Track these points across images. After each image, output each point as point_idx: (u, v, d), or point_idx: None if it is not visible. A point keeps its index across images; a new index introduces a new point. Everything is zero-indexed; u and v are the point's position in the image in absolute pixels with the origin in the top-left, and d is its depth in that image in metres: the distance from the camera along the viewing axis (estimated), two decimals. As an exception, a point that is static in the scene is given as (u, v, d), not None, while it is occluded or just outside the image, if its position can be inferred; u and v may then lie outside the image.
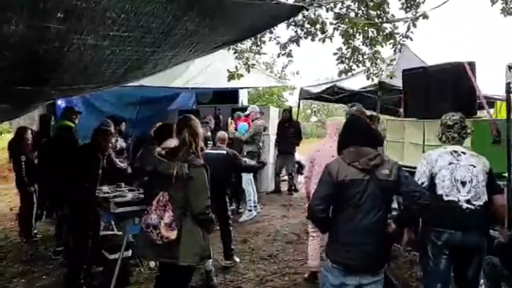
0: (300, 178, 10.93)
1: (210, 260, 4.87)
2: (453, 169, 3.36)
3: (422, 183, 3.38)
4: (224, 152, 5.61)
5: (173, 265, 3.38)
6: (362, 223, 2.81)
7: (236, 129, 8.17)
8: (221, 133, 6.20)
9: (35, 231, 6.86)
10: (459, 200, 3.30)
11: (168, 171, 3.35)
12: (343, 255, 2.86)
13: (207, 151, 5.00)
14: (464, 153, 3.43)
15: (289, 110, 10.66)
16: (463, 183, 3.32)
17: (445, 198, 3.33)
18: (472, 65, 5.41)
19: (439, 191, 3.35)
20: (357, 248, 2.82)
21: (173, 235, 3.29)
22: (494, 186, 3.46)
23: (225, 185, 5.54)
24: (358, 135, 3.03)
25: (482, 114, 6.76)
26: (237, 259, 5.62)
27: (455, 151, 3.43)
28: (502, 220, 3.61)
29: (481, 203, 3.29)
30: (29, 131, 6.94)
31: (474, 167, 3.36)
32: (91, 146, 4.95)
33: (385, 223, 2.92)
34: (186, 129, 3.49)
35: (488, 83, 7.52)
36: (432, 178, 3.41)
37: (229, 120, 8.39)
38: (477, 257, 3.31)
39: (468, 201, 3.29)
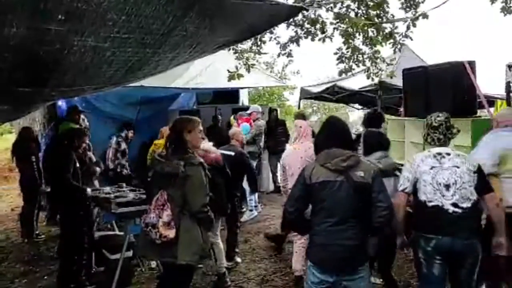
0: None
1: (224, 263, 4.90)
2: (435, 173, 3.25)
3: (405, 189, 3.35)
4: (232, 153, 5.50)
5: (172, 264, 3.40)
6: (336, 224, 2.83)
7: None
8: (233, 130, 6.07)
9: (37, 232, 6.88)
10: (443, 205, 3.18)
11: (165, 170, 3.40)
12: (318, 255, 2.91)
13: (221, 151, 5.02)
14: (448, 154, 3.31)
15: (275, 110, 10.71)
16: (447, 186, 3.20)
17: (429, 204, 3.22)
18: (472, 64, 5.42)
19: (422, 197, 3.27)
20: (329, 249, 2.85)
21: (171, 233, 3.30)
22: (483, 185, 3.27)
23: (234, 186, 5.35)
24: (333, 138, 3.03)
25: (482, 113, 6.77)
26: (239, 260, 5.64)
27: (439, 153, 3.32)
28: (498, 220, 3.33)
29: (469, 205, 3.16)
30: (33, 131, 6.98)
31: (458, 167, 3.23)
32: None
33: (362, 225, 2.88)
34: (185, 129, 3.52)
35: (488, 82, 7.52)
36: (415, 183, 3.32)
37: (232, 119, 8.37)
38: (470, 259, 3.18)
39: (454, 205, 3.16)
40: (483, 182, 3.29)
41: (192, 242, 3.39)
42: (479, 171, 3.28)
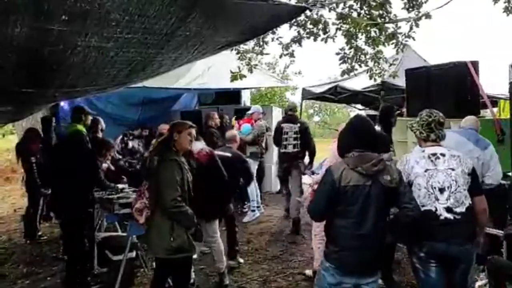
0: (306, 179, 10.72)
1: (224, 263, 4.89)
2: (429, 177, 3.12)
3: None
4: (229, 155, 5.44)
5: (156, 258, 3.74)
6: (362, 228, 2.82)
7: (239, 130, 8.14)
8: (229, 132, 6.06)
9: (40, 233, 6.88)
10: (436, 210, 3.06)
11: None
12: (341, 259, 2.88)
13: (217, 152, 5.04)
14: (443, 154, 3.16)
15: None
16: (441, 190, 3.08)
17: (421, 209, 3.07)
18: (475, 64, 5.41)
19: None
20: (355, 253, 2.84)
21: (141, 219, 3.68)
22: (474, 187, 3.17)
23: (230, 188, 5.25)
24: (362, 139, 2.97)
25: (485, 113, 6.76)
26: (241, 260, 5.62)
27: (434, 154, 3.17)
28: (482, 226, 3.30)
29: (463, 210, 3.05)
30: (38, 132, 6.98)
31: (453, 170, 3.10)
32: (92, 152, 5.13)
33: (384, 229, 2.93)
34: (175, 130, 3.66)
35: (491, 82, 7.51)
36: (409, 186, 3.16)
37: (233, 120, 8.36)
38: (464, 265, 3.11)
39: (448, 209, 3.05)
40: (475, 183, 3.20)
41: (161, 237, 3.50)
42: (473, 172, 3.19)
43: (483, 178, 4.22)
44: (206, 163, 4.57)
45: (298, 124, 7.07)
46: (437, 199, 3.08)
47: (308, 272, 5.12)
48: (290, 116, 7.22)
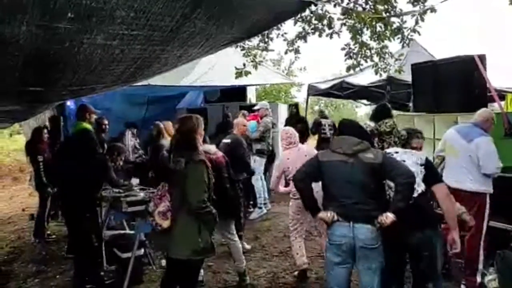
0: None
1: (243, 262, 4.89)
2: None
3: None
4: (229, 141, 5.64)
5: (171, 258, 3.60)
6: (350, 203, 3.02)
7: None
8: (237, 120, 6.35)
9: (48, 232, 6.91)
10: (389, 197, 3.28)
11: (168, 164, 3.54)
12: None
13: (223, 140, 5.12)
14: (397, 152, 3.56)
15: (296, 105, 10.39)
16: None
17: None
18: (482, 58, 5.36)
19: None
20: (349, 214, 3.03)
21: (165, 224, 3.49)
22: (431, 176, 3.39)
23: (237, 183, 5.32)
24: (344, 131, 3.35)
25: (491, 107, 6.70)
26: (247, 246, 5.66)
27: (388, 153, 3.54)
28: (450, 215, 3.36)
29: (415, 195, 3.23)
30: (45, 131, 7.00)
31: (405, 161, 3.37)
32: (103, 156, 5.37)
33: (374, 206, 3.05)
34: (188, 127, 3.59)
35: (498, 75, 7.43)
36: None
37: (240, 116, 8.33)
38: (424, 251, 3.29)
39: None
40: (431, 173, 3.42)
41: (185, 238, 3.43)
42: (426, 163, 3.42)
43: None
44: (221, 165, 4.61)
45: (330, 120, 9.98)
46: (390, 188, 3.33)
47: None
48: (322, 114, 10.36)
